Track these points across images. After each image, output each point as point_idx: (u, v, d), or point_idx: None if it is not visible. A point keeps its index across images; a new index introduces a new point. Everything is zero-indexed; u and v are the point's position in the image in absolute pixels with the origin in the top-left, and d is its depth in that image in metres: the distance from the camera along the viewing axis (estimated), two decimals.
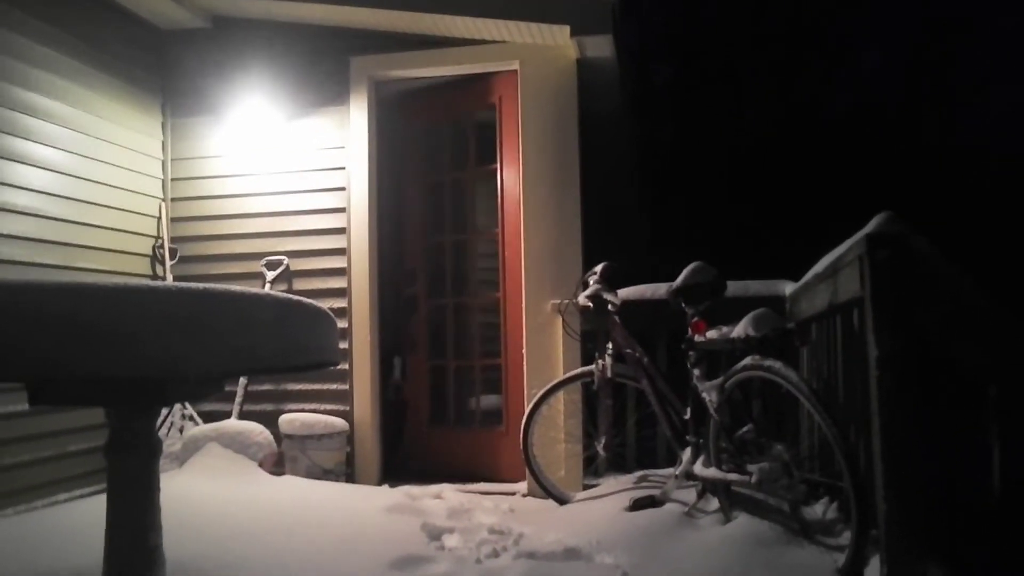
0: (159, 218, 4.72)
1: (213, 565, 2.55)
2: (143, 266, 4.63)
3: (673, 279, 3.31)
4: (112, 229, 4.35)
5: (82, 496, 3.93)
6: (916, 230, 2.25)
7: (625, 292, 3.90)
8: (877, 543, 2.20)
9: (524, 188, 4.42)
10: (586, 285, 3.81)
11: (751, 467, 2.78)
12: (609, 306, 3.68)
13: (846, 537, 2.50)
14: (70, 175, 4.06)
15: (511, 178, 4.59)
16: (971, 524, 2.26)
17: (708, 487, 3.14)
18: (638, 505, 3.24)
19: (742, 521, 2.82)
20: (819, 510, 2.93)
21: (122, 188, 4.45)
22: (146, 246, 4.65)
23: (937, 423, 2.27)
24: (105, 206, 4.31)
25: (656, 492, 3.33)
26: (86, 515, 3.24)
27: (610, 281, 3.73)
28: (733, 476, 2.89)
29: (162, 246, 4.69)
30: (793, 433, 3.28)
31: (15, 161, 3.73)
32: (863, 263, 2.23)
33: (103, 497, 1.79)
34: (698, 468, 3.13)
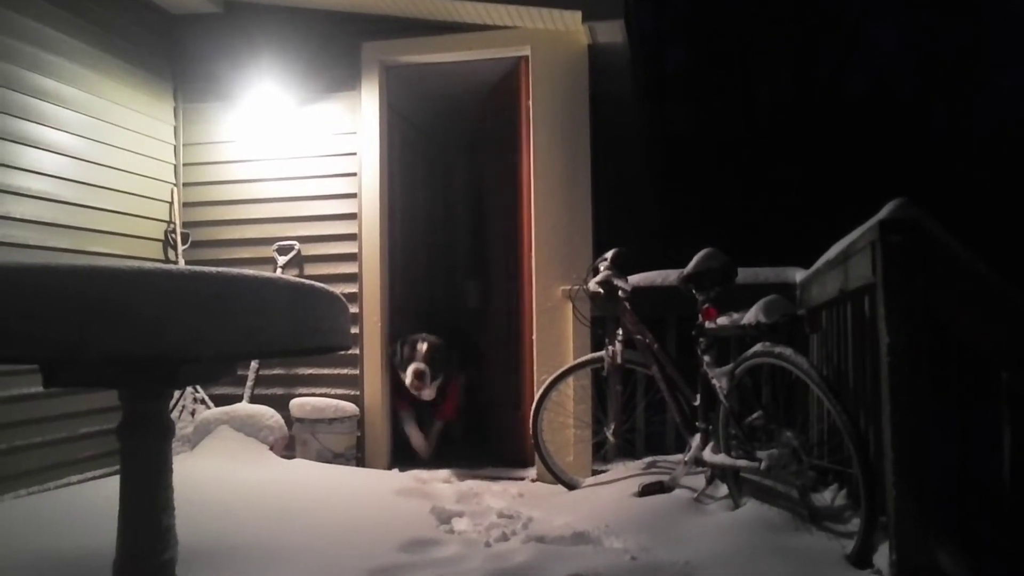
0: (171, 203, 4.74)
1: (225, 546, 2.58)
2: (155, 251, 4.65)
3: (683, 265, 3.31)
4: (124, 214, 4.38)
5: (94, 478, 3.96)
6: (930, 216, 2.24)
7: (636, 278, 3.90)
8: (886, 529, 2.20)
9: (534, 173, 4.41)
10: (596, 271, 3.81)
11: (760, 453, 2.79)
12: (619, 292, 3.68)
13: (854, 523, 2.51)
14: (82, 159, 4.08)
15: (526, 164, 4.58)
16: (982, 511, 2.26)
17: (717, 473, 3.15)
18: (647, 491, 3.25)
19: (751, 507, 2.82)
20: (828, 496, 2.94)
21: (134, 173, 4.46)
22: (158, 231, 4.67)
23: (948, 410, 2.26)
24: (117, 191, 4.32)
25: (665, 478, 3.34)
26: (98, 496, 3.27)
27: (621, 267, 3.73)
28: (742, 462, 2.89)
29: (174, 231, 4.71)
30: (802, 420, 3.28)
31: (28, 145, 3.75)
32: (875, 249, 2.22)
33: (114, 479, 1.81)
34: (707, 454, 3.14)
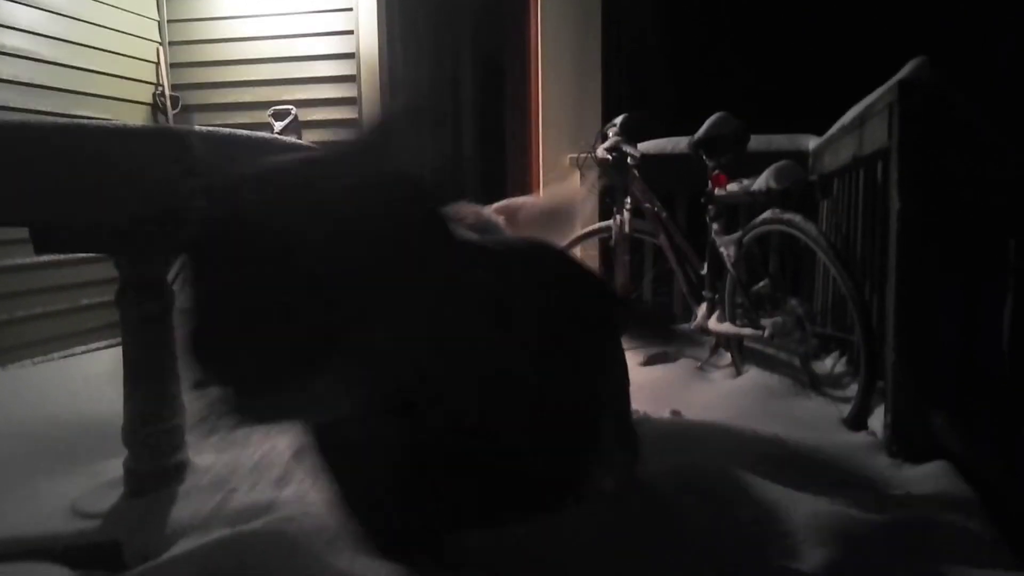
0: (157, 64, 4.53)
1: None
2: (144, 115, 4.48)
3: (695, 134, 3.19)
4: (109, 75, 4.18)
5: (99, 349, 3.96)
6: (951, 78, 2.13)
7: (645, 145, 3.77)
8: (883, 395, 2.23)
9: (542, 38, 4.20)
10: (605, 137, 3.65)
11: (765, 322, 2.79)
12: (629, 159, 3.55)
13: (853, 390, 2.54)
14: (60, 14, 3.85)
15: (534, 29, 4.35)
16: (979, 386, 2.27)
17: (721, 342, 3.17)
18: (652, 359, 3.28)
19: (753, 374, 2.86)
20: (828, 364, 2.97)
21: (116, 30, 4.22)
22: (146, 94, 4.48)
23: (953, 282, 2.23)
24: (100, 49, 4.11)
25: (670, 347, 3.36)
26: (104, 365, 3.28)
27: (630, 133, 3.58)
28: (747, 331, 2.90)
29: (163, 94, 4.52)
30: (808, 289, 3.27)
31: None
32: (892, 111, 2.13)
33: (119, 350, 1.80)
34: (712, 323, 3.14)
